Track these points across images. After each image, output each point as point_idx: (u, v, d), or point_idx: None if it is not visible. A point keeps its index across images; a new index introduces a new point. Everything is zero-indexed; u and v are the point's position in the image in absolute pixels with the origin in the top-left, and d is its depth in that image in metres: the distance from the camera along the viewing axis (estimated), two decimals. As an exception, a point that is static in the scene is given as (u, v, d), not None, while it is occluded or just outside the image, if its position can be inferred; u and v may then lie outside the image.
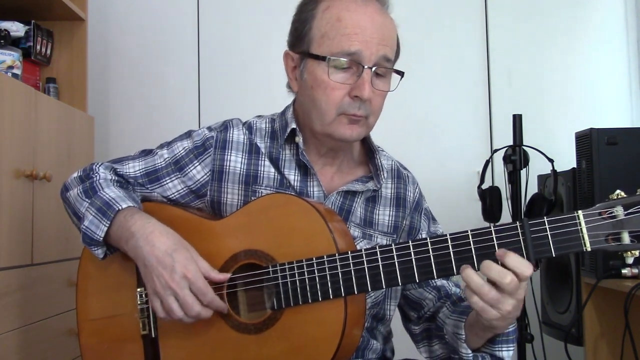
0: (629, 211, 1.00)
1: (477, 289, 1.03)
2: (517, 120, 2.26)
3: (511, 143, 2.25)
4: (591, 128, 2.02)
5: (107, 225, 1.22)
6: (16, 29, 2.22)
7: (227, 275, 1.18)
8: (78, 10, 2.47)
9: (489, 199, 2.25)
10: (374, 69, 1.20)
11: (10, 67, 2.08)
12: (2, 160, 1.77)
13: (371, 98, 1.21)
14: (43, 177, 1.95)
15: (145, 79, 2.88)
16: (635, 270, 1.91)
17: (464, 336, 1.17)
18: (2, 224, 1.77)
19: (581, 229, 1.01)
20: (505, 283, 1.02)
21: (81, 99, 2.51)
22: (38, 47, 2.31)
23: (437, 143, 2.83)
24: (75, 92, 2.51)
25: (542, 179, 2.40)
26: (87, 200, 1.27)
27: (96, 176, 1.31)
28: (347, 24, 1.19)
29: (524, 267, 1.02)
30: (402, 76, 1.26)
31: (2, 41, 2.10)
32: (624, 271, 1.91)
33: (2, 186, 1.77)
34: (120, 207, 1.23)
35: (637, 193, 1.01)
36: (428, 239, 1.08)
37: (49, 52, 2.39)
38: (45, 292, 1.99)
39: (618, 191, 1.02)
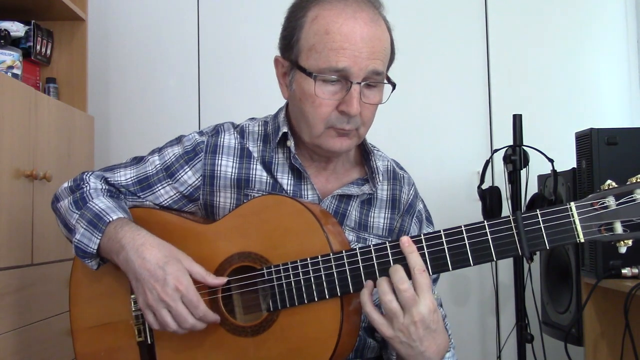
0: (620, 201, 1.01)
1: (382, 293, 1.06)
2: (517, 120, 2.26)
3: (511, 143, 2.26)
4: (591, 128, 2.02)
5: (99, 237, 1.21)
6: (16, 29, 2.21)
7: (224, 279, 1.17)
8: (78, 10, 2.47)
9: (489, 199, 2.25)
10: (362, 83, 1.17)
11: (10, 67, 2.08)
12: (2, 160, 1.77)
13: (360, 111, 1.18)
14: (43, 177, 1.95)
15: (145, 79, 2.88)
16: (635, 270, 1.90)
17: (394, 357, 1.18)
18: (2, 224, 1.77)
19: (574, 220, 1.02)
20: (402, 289, 1.04)
21: (81, 99, 2.51)
22: (38, 47, 2.31)
23: (437, 143, 2.83)
24: (75, 92, 2.51)
25: (542, 179, 2.40)
26: (77, 211, 1.26)
27: (86, 186, 1.30)
28: (335, 38, 1.15)
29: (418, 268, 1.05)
30: (394, 88, 1.23)
31: (2, 41, 2.09)
32: (624, 271, 1.91)
33: (2, 186, 1.77)
34: (110, 219, 1.22)
35: (628, 183, 1.01)
36: (422, 235, 1.08)
37: (49, 52, 2.39)
38: (45, 292, 1.98)
39: (609, 181, 1.03)
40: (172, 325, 1.15)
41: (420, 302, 1.04)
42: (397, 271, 1.06)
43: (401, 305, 1.05)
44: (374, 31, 1.18)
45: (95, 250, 1.22)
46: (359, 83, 1.16)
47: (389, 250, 1.09)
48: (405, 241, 1.07)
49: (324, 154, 1.27)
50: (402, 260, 1.08)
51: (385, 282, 1.07)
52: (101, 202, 1.26)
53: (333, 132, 1.21)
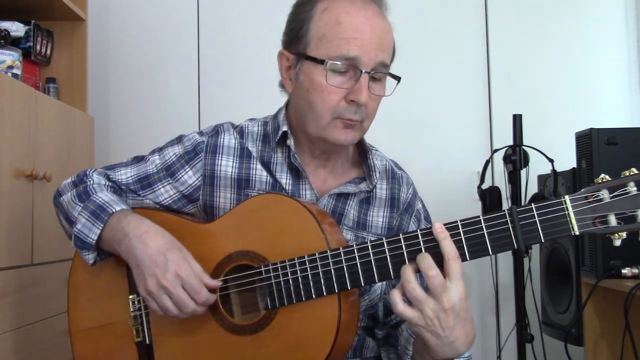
0: (614, 194, 1.01)
1: (405, 281, 1.04)
2: (517, 120, 2.26)
3: (511, 143, 2.26)
4: (591, 128, 2.02)
5: (101, 228, 1.22)
6: (16, 29, 2.21)
7: (219, 283, 1.17)
8: (78, 10, 2.47)
9: (489, 199, 2.25)
10: (371, 73, 1.19)
11: (10, 67, 2.08)
12: (2, 160, 1.77)
13: (367, 102, 1.20)
14: (43, 177, 1.95)
15: (145, 79, 2.88)
16: (635, 270, 1.91)
17: (410, 352, 1.17)
18: (2, 224, 1.77)
19: (568, 213, 1.03)
20: (431, 275, 1.02)
21: (81, 99, 2.51)
22: (38, 47, 2.31)
23: (437, 143, 2.83)
24: (75, 92, 2.51)
25: (542, 179, 2.40)
26: (80, 204, 1.27)
27: (90, 181, 1.31)
28: (346, 27, 1.18)
29: (453, 255, 1.03)
30: (399, 81, 1.24)
31: (2, 41, 2.09)
32: (624, 271, 1.91)
33: (2, 186, 1.77)
34: (114, 210, 1.22)
35: (622, 176, 1.02)
36: (419, 231, 1.08)
37: (49, 52, 2.39)
38: (45, 292, 1.98)
39: (603, 175, 1.04)
40: (173, 311, 1.15)
41: (450, 288, 1.03)
42: (425, 258, 1.04)
43: (430, 293, 1.03)
44: (382, 24, 1.21)
45: (94, 241, 1.22)
46: (368, 72, 1.18)
47: (385, 247, 1.09)
48: (438, 227, 1.06)
49: (328, 147, 1.27)
50: (399, 255, 1.08)
51: (409, 270, 1.05)
52: (105, 196, 1.27)
53: (339, 123, 1.21)
